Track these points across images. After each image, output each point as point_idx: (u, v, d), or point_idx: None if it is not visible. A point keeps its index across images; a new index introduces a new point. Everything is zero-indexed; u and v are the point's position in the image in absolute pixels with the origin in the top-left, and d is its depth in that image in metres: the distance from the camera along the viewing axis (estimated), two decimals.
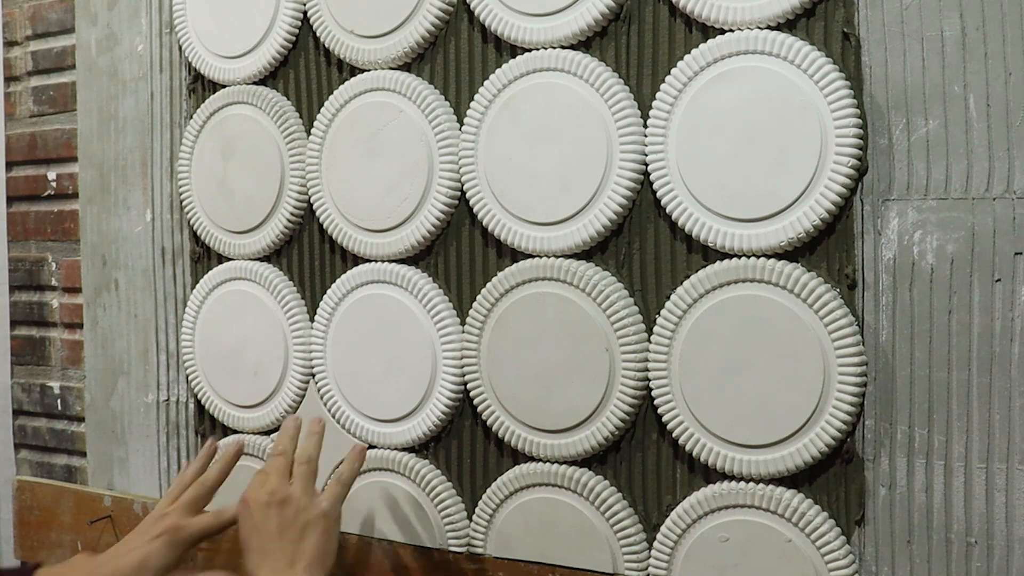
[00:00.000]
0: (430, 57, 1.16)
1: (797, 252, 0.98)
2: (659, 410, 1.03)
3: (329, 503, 1.05)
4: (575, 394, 1.07)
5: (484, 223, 1.12)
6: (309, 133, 1.24)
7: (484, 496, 1.15)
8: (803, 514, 0.97)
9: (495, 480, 1.14)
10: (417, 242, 1.17)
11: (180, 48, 1.33)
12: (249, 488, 1.06)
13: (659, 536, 1.05)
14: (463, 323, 1.15)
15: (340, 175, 1.21)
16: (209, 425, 1.35)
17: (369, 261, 1.21)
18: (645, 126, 1.04)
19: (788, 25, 0.97)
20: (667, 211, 1.02)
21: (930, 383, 0.92)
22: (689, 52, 1.00)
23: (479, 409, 1.14)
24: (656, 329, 1.03)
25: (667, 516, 1.04)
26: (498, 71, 1.11)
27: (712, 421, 1.00)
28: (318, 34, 1.22)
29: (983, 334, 0.90)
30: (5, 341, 1.55)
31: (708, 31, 1.00)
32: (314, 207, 1.24)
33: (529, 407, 1.10)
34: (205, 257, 1.34)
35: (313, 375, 1.25)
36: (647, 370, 1.04)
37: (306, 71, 1.25)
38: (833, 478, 0.97)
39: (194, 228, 1.34)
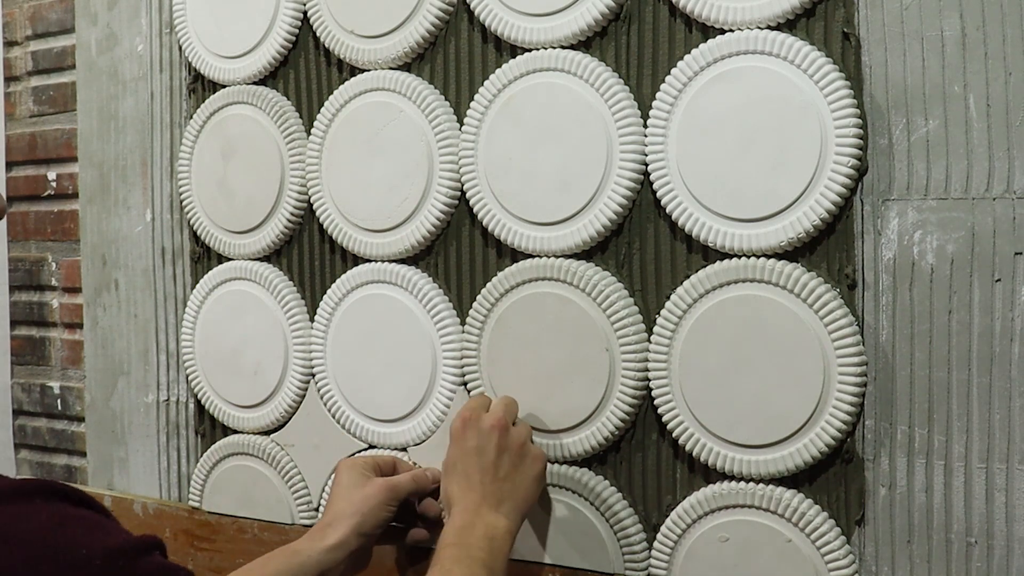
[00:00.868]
0: (430, 57, 1.16)
1: (797, 252, 0.98)
2: (659, 410, 1.03)
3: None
4: (575, 394, 1.07)
5: (484, 223, 1.12)
6: (309, 133, 1.24)
7: None
8: (803, 514, 0.97)
9: None
10: (417, 242, 1.17)
11: (180, 48, 1.33)
12: (464, 411, 1.04)
13: (659, 536, 1.05)
14: (463, 323, 1.15)
15: (340, 175, 1.21)
16: (209, 425, 1.35)
17: (369, 261, 1.21)
18: (645, 126, 1.04)
19: (788, 25, 0.97)
20: (667, 211, 1.02)
21: (930, 383, 0.92)
22: (689, 52, 1.00)
23: None
24: (656, 329, 1.03)
25: (667, 516, 1.04)
26: (498, 71, 1.10)
27: (712, 421, 1.00)
28: (318, 34, 1.22)
29: (983, 334, 0.90)
30: (5, 341, 1.55)
31: (708, 31, 1.00)
32: (314, 207, 1.23)
33: (529, 407, 1.10)
34: (205, 257, 1.34)
35: (313, 375, 1.25)
36: (647, 370, 1.04)
37: (306, 71, 1.25)
38: (833, 478, 0.97)
39: (194, 228, 1.33)
